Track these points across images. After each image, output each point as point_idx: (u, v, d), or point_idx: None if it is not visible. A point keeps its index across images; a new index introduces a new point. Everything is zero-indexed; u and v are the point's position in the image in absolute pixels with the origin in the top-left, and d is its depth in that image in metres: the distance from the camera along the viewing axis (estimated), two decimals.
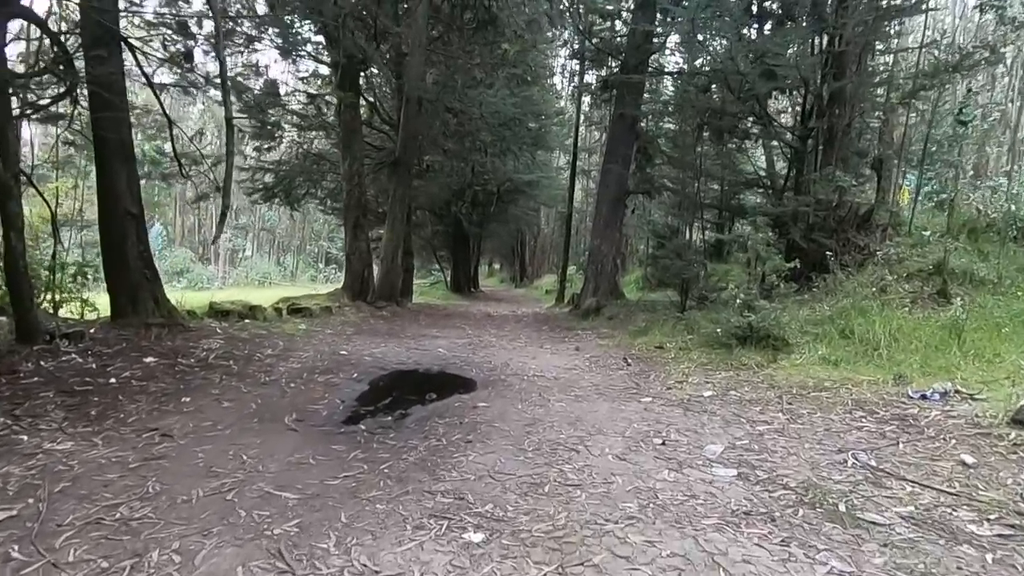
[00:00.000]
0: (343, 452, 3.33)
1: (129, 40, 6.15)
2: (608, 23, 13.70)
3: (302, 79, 14.67)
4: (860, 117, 9.34)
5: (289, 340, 6.95)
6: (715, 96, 10.06)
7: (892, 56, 10.59)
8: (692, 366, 6.05)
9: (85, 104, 6.43)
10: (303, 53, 12.28)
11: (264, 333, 7.10)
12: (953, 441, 3.43)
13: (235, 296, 11.56)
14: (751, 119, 9.88)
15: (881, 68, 10.06)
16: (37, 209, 8.47)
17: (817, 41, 8.90)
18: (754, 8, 10.00)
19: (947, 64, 7.69)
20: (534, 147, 18.72)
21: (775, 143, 11.44)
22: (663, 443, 3.61)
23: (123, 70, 6.25)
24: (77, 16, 6.38)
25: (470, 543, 2.26)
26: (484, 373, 5.88)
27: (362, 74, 13.17)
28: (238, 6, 10.50)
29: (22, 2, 5.41)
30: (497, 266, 45.42)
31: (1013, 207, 7.91)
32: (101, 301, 7.08)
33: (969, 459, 3.15)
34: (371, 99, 14.56)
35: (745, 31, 9.68)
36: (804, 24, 8.70)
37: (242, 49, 11.34)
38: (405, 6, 12.84)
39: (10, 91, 5.30)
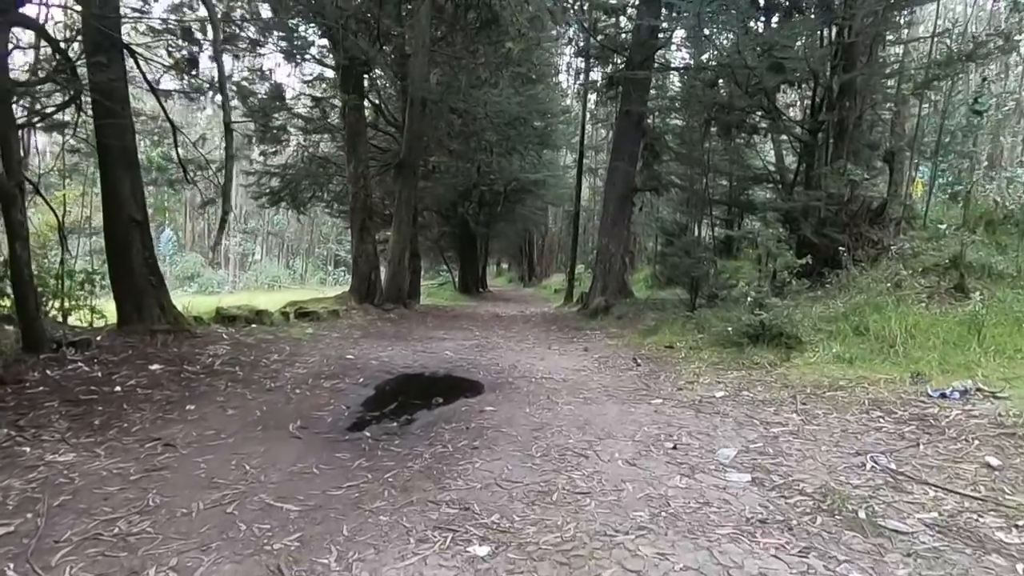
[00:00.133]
0: (347, 461, 3.27)
1: (131, 47, 6.13)
2: (613, 19, 13.59)
3: (307, 82, 14.70)
4: (871, 109, 9.18)
5: (296, 345, 6.92)
6: (722, 91, 9.92)
7: (903, 47, 10.39)
8: (703, 366, 5.94)
9: (90, 112, 6.44)
10: (308, 57, 12.28)
11: (271, 338, 7.08)
12: (976, 442, 3.31)
13: (244, 300, 11.58)
14: (759, 113, 9.73)
15: (892, 59, 9.88)
16: (45, 217, 8.52)
17: (826, 32, 8.75)
18: (761, 1, 9.86)
19: (961, 53, 7.51)
20: (540, 146, 18.63)
21: (784, 137, 11.28)
22: (674, 447, 3.52)
23: (125, 77, 6.23)
24: (79, 24, 6.37)
25: (475, 557, 2.19)
26: (491, 376, 5.80)
27: (366, 76, 13.15)
28: (241, 11, 10.51)
29: (24, 10, 5.39)
30: (505, 266, 45.38)
31: None
32: (109, 308, 7.08)
33: (994, 461, 3.03)
34: (376, 101, 14.55)
35: (752, 24, 9.55)
36: (813, 15, 8.54)
37: (246, 53, 11.36)
38: (408, 7, 12.79)
39: (13, 99, 5.30)
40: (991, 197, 8.27)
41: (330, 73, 13.72)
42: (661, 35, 12.06)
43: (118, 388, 4.60)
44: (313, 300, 10.55)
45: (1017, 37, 10.13)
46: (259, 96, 11.85)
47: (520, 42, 12.42)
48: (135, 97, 9.85)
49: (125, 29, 8.74)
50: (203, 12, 9.19)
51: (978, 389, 4.16)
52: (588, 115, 20.08)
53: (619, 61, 13.37)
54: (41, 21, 5.72)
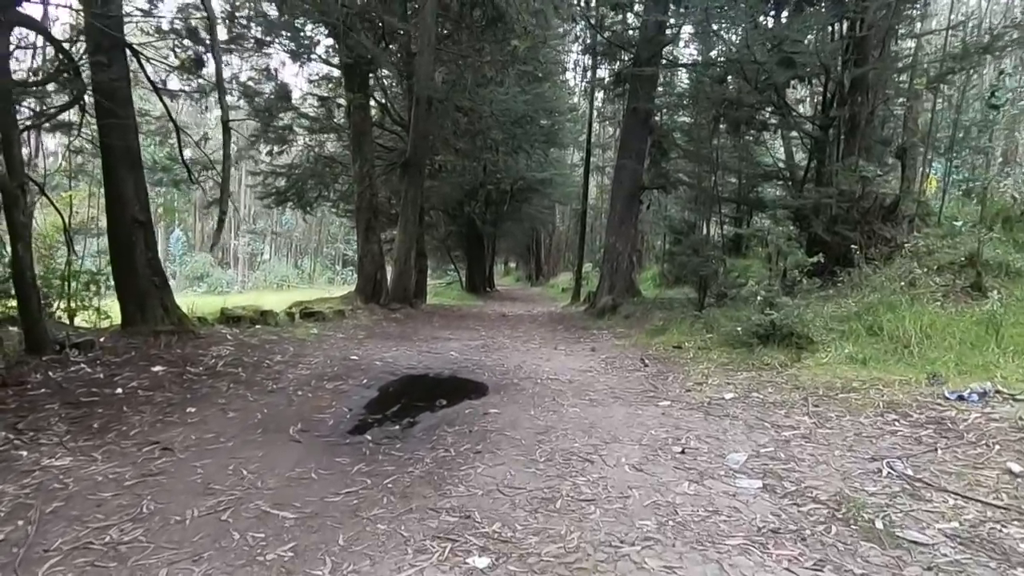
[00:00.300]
0: (347, 465, 3.20)
1: (133, 46, 6.10)
2: (619, 16, 13.45)
3: (312, 82, 14.68)
4: (884, 105, 9.00)
5: (300, 345, 6.87)
6: (731, 87, 9.78)
7: (915, 41, 10.20)
8: (712, 366, 5.83)
9: (93, 112, 6.41)
10: (314, 57, 12.25)
11: (275, 339, 7.04)
12: (996, 447, 3.19)
13: (251, 300, 11.58)
14: (769, 110, 9.58)
15: (904, 53, 9.69)
16: (51, 218, 8.54)
17: (837, 27, 8.58)
18: None
19: (977, 46, 7.33)
20: (547, 144, 18.52)
21: (794, 134, 11.11)
22: (682, 451, 3.42)
23: (128, 77, 6.20)
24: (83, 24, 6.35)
25: (474, 569, 2.10)
26: (496, 377, 5.72)
27: (372, 75, 13.10)
28: (247, 11, 10.48)
29: (26, 10, 5.37)
30: (513, 265, 45.32)
31: None
32: (115, 309, 7.07)
33: (1016, 467, 2.91)
34: (382, 100, 14.50)
35: (761, 19, 9.39)
36: (824, 9, 8.38)
37: (252, 53, 11.34)
38: (414, 5, 12.73)
39: (15, 100, 5.28)
40: (1008, 193, 8.08)
41: (336, 72, 13.68)
42: (668, 31, 11.92)
43: (119, 390, 4.56)
44: (319, 300, 10.52)
45: None
46: (265, 96, 11.83)
47: (526, 39, 12.33)
48: (142, 98, 9.88)
49: (132, 30, 8.77)
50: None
51: (997, 391, 4.03)
52: (595, 113, 19.95)
53: (626, 58, 13.23)
54: (45, 21, 5.72)
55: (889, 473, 3.00)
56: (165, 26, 7.76)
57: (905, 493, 2.75)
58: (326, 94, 13.96)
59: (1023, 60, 14.56)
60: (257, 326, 7.57)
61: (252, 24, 10.44)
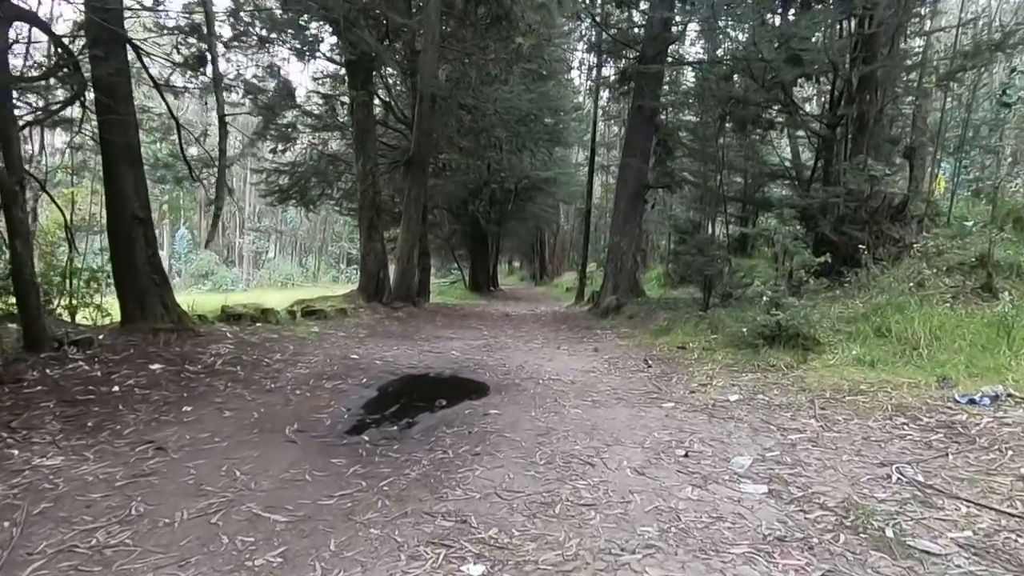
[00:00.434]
0: (342, 467, 3.13)
1: (134, 41, 6.05)
2: (625, 13, 13.35)
3: (317, 80, 14.64)
4: (892, 103, 8.88)
5: (300, 344, 6.82)
6: (737, 85, 9.67)
7: (924, 38, 10.06)
8: (716, 367, 5.74)
9: (95, 109, 6.37)
10: (318, 55, 12.19)
11: (275, 337, 6.98)
12: (1010, 452, 3.10)
13: (254, 298, 11.56)
14: (776, 108, 9.47)
15: (914, 51, 9.56)
16: (54, 215, 8.51)
17: (845, 24, 8.46)
18: None
19: (989, 43, 7.20)
20: (551, 143, 18.41)
21: (800, 133, 11.00)
22: (686, 455, 3.34)
23: (128, 72, 6.15)
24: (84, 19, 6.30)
25: None
26: (498, 377, 5.65)
27: (376, 73, 13.05)
28: (251, 8, 10.43)
29: (26, 5, 5.33)
30: (517, 264, 45.22)
31: None
32: (116, 306, 7.03)
33: None
34: (385, 98, 14.45)
35: (768, 17, 9.28)
36: (832, 6, 8.26)
37: (255, 51, 11.29)
38: (419, 3, 12.66)
39: (14, 96, 5.24)
40: (1019, 193, 7.95)
41: (340, 70, 13.62)
42: (674, 28, 11.81)
43: (116, 388, 4.52)
44: (320, 298, 10.46)
45: None
46: (268, 93, 11.77)
47: (530, 37, 12.25)
48: (146, 96, 9.85)
49: (136, 26, 8.74)
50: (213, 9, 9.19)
51: (1009, 395, 3.93)
52: (600, 111, 19.84)
53: (631, 56, 13.13)
54: (46, 17, 5.69)
55: (899, 479, 2.91)
56: (168, 22, 7.76)
57: (916, 500, 2.66)
58: (329, 92, 13.91)
59: None
60: (258, 324, 7.53)
61: (256, 22, 10.41)
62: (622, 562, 2.14)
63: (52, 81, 6.42)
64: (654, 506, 2.65)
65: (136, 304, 6.20)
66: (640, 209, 12.89)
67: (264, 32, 10.67)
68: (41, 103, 6.71)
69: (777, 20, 9.77)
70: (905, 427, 3.67)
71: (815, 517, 2.53)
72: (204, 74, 8.40)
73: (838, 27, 8.41)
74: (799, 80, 9.85)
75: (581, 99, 24.47)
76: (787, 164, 11.26)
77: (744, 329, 6.23)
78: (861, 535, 2.34)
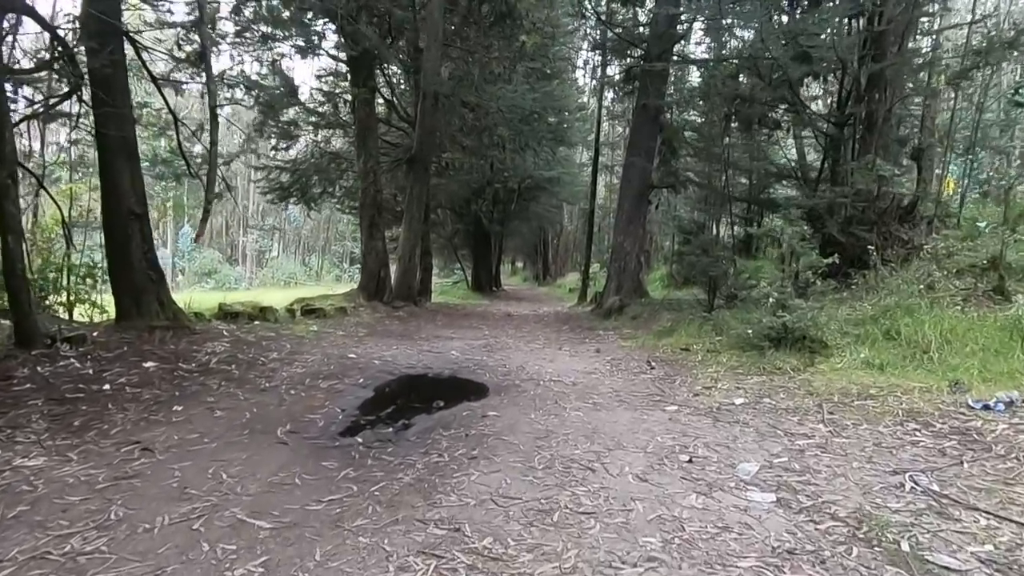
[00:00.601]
0: (333, 470, 3.02)
1: (131, 35, 5.96)
2: (629, 11, 13.23)
3: (320, 78, 14.55)
4: (901, 103, 8.74)
5: (297, 343, 6.72)
6: (743, 83, 9.53)
7: (933, 37, 9.92)
8: (721, 370, 5.62)
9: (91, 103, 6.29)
10: (320, 53, 12.11)
11: (272, 335, 6.88)
12: None
13: (255, 297, 11.46)
14: (783, 107, 9.33)
15: (923, 50, 9.42)
16: (52, 210, 8.43)
17: (855, 21, 8.32)
18: None
19: (1002, 40, 7.05)
20: (555, 143, 18.29)
21: (807, 133, 10.85)
22: (690, 460, 3.22)
23: (125, 65, 6.06)
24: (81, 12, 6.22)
25: None
26: (497, 378, 5.54)
27: (378, 70, 12.96)
28: (254, 5, 10.35)
29: None
30: (520, 264, 45.07)
31: None
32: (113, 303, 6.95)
33: None
34: (388, 96, 14.35)
35: (775, 15, 9.15)
36: (841, 2, 8.11)
37: (258, 48, 11.21)
38: (423, 0, 12.56)
39: (6, 89, 5.15)
40: None
41: (342, 68, 13.53)
42: (680, 27, 11.67)
43: (107, 386, 4.42)
44: (320, 297, 10.36)
45: None
46: (270, 90, 11.69)
47: (534, 35, 12.15)
48: (148, 93, 9.77)
49: (135, 21, 8.66)
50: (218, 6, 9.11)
51: None
52: (604, 111, 19.71)
53: (636, 55, 13.00)
54: (49, 18, 5.60)
55: (913, 488, 2.78)
56: (167, 17, 7.67)
57: (931, 511, 2.54)
58: (330, 89, 13.81)
59: None
60: (256, 322, 7.43)
61: (259, 20, 10.33)
62: None
63: (49, 75, 6.35)
64: (657, 515, 2.53)
65: (131, 301, 6.11)
66: (644, 209, 12.77)
67: (267, 29, 10.61)
68: (39, 97, 6.64)
69: (784, 18, 9.65)
70: (917, 433, 3.54)
71: (826, 528, 2.41)
72: (204, 70, 8.33)
73: (847, 24, 8.26)
74: (805, 80, 9.71)
75: (585, 99, 24.36)
76: (792, 164, 11.10)
77: (749, 331, 6.10)
78: (875, 548, 2.22)
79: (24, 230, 7.64)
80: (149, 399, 4.20)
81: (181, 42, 7.74)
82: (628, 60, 13.75)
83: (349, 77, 12.24)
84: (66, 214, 7.48)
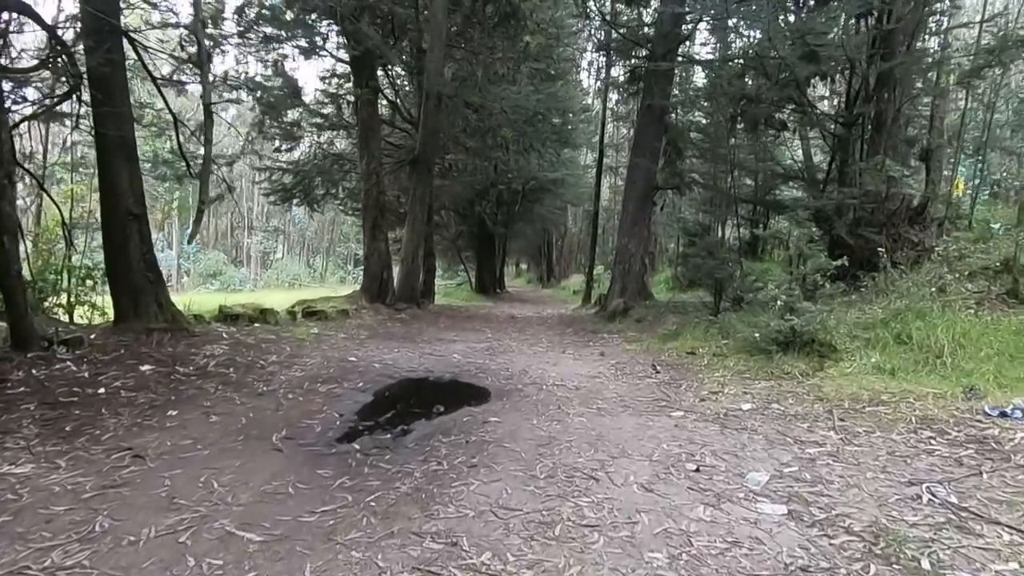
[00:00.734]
0: (328, 479, 2.93)
1: (130, 34, 5.89)
2: (634, 11, 13.11)
3: (324, 79, 14.49)
4: (910, 103, 8.60)
5: (297, 345, 6.64)
6: (749, 83, 9.41)
7: (942, 36, 9.77)
8: (728, 374, 5.50)
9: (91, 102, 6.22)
10: (323, 53, 12.04)
11: (272, 338, 6.80)
12: None
13: (258, 298, 11.41)
14: (789, 107, 9.20)
15: (931, 50, 9.27)
16: (54, 211, 8.39)
17: (863, 20, 8.20)
18: None
19: (1015, 39, 6.92)
20: (559, 144, 18.17)
21: (813, 134, 10.72)
22: (697, 469, 3.12)
23: (124, 64, 6.00)
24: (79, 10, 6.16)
25: None
26: (500, 382, 5.44)
27: (382, 71, 12.89)
28: (257, 7, 10.30)
29: None
30: (524, 266, 44.97)
31: None
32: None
33: None
34: (392, 97, 14.29)
35: (782, 15, 9.02)
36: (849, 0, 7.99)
37: (260, 49, 11.17)
38: (427, 1, 12.50)
39: (4, 89, 5.10)
40: None
41: (345, 68, 13.48)
42: (685, 27, 11.56)
43: (102, 390, 4.35)
44: (322, 299, 10.28)
45: None
46: (273, 91, 11.64)
47: (538, 36, 12.05)
48: (151, 93, 9.72)
49: (137, 21, 8.61)
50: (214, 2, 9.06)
51: None
52: (609, 112, 19.60)
53: (641, 55, 12.89)
54: (54, 21, 5.54)
55: (930, 500, 2.67)
56: (170, 18, 7.61)
57: (951, 525, 2.43)
58: (333, 90, 13.75)
59: None
60: (256, 325, 7.35)
61: (261, 21, 10.28)
62: None
63: (55, 76, 6.29)
64: (663, 528, 2.43)
65: (130, 302, 6.04)
66: (649, 211, 12.63)
67: (269, 30, 10.56)
68: (39, 97, 6.59)
69: (791, 18, 9.53)
70: (932, 441, 3.43)
71: (841, 543, 2.30)
72: (199, 67, 8.27)
73: (855, 23, 8.13)
74: (812, 80, 9.58)
75: (590, 100, 24.25)
76: (798, 165, 10.97)
77: (757, 334, 5.98)
78: (894, 566, 2.11)
79: (27, 231, 7.63)
80: (144, 403, 4.12)
81: (184, 42, 7.69)
82: (633, 61, 13.63)
83: (352, 78, 12.18)
84: (67, 215, 7.45)
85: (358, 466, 3.13)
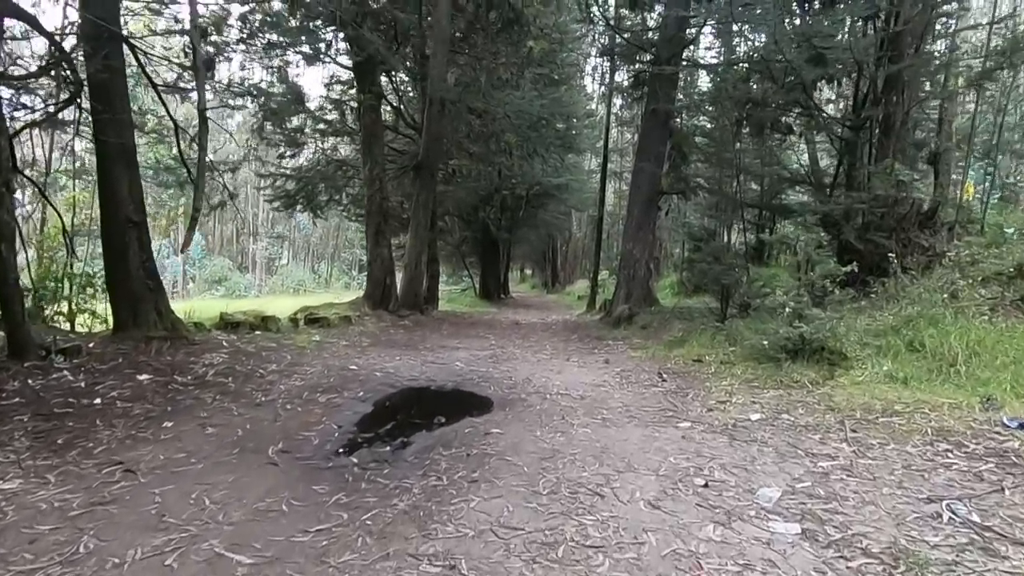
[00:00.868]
0: (324, 495, 2.84)
1: (130, 40, 5.86)
2: (638, 16, 13.06)
3: (327, 86, 14.51)
4: (918, 106, 8.48)
5: (298, 354, 6.56)
6: (755, 87, 9.30)
7: (950, 39, 9.66)
8: (736, 383, 5.38)
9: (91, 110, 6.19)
10: (326, 59, 12.04)
11: (273, 346, 6.73)
12: None
13: (262, 305, 11.33)
14: (796, 111, 9.09)
15: (939, 52, 9.16)
16: (54, 219, 8.37)
17: (870, 22, 8.09)
18: None
19: None
20: (563, 149, 18.11)
21: (819, 138, 10.61)
22: (706, 485, 3.01)
23: (124, 71, 5.96)
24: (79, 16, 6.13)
25: None
26: (502, 391, 5.34)
27: (385, 77, 12.87)
28: (260, 15, 10.29)
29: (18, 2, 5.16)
30: (528, 272, 44.92)
31: None
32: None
33: None
34: (395, 103, 14.27)
35: (787, 19, 8.93)
36: (856, 2, 7.89)
37: (264, 55, 11.17)
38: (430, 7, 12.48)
39: (3, 97, 5.07)
40: None
41: (349, 74, 13.47)
42: (690, 31, 11.49)
43: (97, 400, 4.27)
44: (325, 306, 10.22)
45: None
46: (277, 98, 11.63)
47: (542, 41, 12.01)
48: (155, 100, 9.72)
49: (140, 28, 8.62)
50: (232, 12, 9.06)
51: None
52: (613, 117, 19.53)
53: (645, 60, 12.82)
54: (53, 23, 5.53)
55: (951, 519, 2.56)
56: (168, 23, 7.61)
57: (975, 546, 2.31)
58: (337, 96, 13.74)
59: None
60: (257, 332, 7.28)
61: (265, 27, 10.29)
62: None
63: (59, 83, 6.26)
64: (671, 549, 2.32)
65: (129, 311, 5.98)
66: (654, 216, 12.54)
67: (273, 36, 10.56)
68: (40, 105, 6.57)
69: (796, 21, 9.43)
70: (949, 454, 3.31)
71: (858, 566, 2.19)
72: (211, 78, 8.25)
73: (863, 25, 8.03)
74: (819, 83, 9.47)
75: (594, 105, 24.21)
76: (804, 170, 10.85)
77: (765, 342, 5.86)
78: None
79: (29, 239, 7.60)
80: (139, 414, 4.04)
81: (187, 49, 7.68)
82: (637, 65, 13.57)
83: (355, 84, 12.15)
84: (68, 223, 7.42)
85: (355, 481, 3.04)
